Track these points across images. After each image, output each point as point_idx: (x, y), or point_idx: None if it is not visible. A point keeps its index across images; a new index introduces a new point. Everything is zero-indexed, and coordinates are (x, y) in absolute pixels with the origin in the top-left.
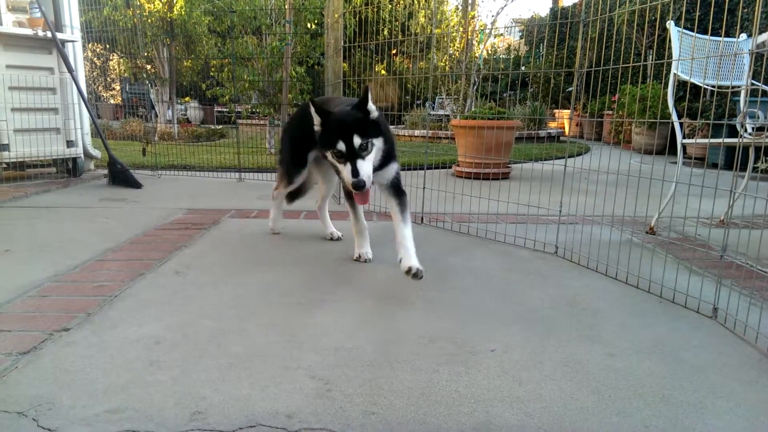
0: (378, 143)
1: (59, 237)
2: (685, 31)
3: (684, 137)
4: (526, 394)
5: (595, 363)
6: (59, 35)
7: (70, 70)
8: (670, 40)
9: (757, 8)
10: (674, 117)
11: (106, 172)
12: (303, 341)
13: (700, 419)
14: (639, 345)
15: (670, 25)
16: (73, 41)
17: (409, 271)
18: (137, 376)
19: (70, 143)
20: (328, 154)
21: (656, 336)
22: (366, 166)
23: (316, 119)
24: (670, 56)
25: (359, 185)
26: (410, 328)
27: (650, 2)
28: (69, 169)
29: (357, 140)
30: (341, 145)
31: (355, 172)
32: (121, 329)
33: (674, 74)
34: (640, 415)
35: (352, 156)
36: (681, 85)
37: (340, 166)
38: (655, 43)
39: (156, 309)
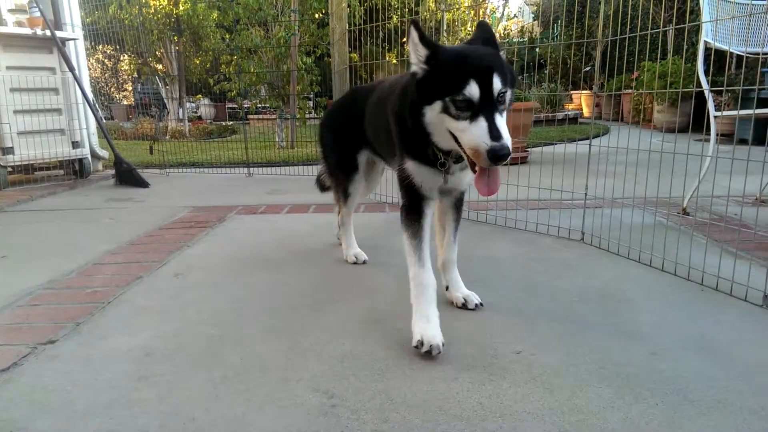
0: (510, 98)
1: (59, 241)
2: None
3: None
4: (559, 405)
5: (637, 364)
6: (59, 34)
7: (71, 68)
8: (689, 12)
9: None
10: (705, 85)
11: (113, 172)
12: (307, 348)
13: (765, 428)
14: (684, 341)
15: None
16: (74, 39)
17: (465, 304)
18: (122, 394)
19: (75, 144)
20: (436, 107)
21: (702, 330)
22: (505, 126)
23: (421, 52)
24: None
25: (501, 152)
26: None
27: None
28: (76, 171)
29: (498, 83)
30: (473, 89)
31: (496, 133)
32: (111, 340)
33: (704, 41)
34: (695, 426)
35: (490, 107)
36: (706, 57)
37: (462, 126)
38: (674, 17)
39: (150, 316)
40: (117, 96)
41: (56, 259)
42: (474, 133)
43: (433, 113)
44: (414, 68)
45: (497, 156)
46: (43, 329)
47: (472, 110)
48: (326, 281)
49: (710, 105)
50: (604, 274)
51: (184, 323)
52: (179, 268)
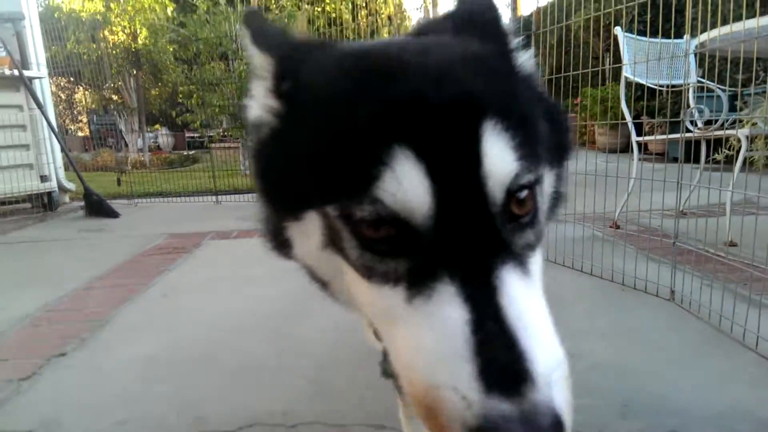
0: (550, 180)
1: (43, 270)
2: (630, 35)
3: (644, 135)
4: None
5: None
6: (26, 72)
7: (39, 106)
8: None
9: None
10: (627, 116)
11: (82, 204)
12: (293, 347)
13: (658, 385)
14: (603, 329)
15: (618, 31)
16: (40, 78)
17: None
18: (137, 391)
19: (43, 178)
20: (312, 229)
21: (620, 320)
22: (543, 320)
23: (263, 68)
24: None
25: None
26: None
27: (603, 10)
28: (44, 204)
29: (501, 155)
30: (406, 183)
31: (505, 357)
32: (116, 351)
33: (625, 77)
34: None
35: (478, 249)
36: (638, 85)
37: (386, 301)
38: (612, 46)
39: (148, 331)
40: (72, 127)
41: (45, 286)
42: (419, 349)
43: (309, 246)
44: (253, 111)
45: None
46: (51, 344)
47: (409, 258)
48: (303, 292)
49: (632, 131)
50: (542, 280)
51: (180, 335)
52: (166, 290)
